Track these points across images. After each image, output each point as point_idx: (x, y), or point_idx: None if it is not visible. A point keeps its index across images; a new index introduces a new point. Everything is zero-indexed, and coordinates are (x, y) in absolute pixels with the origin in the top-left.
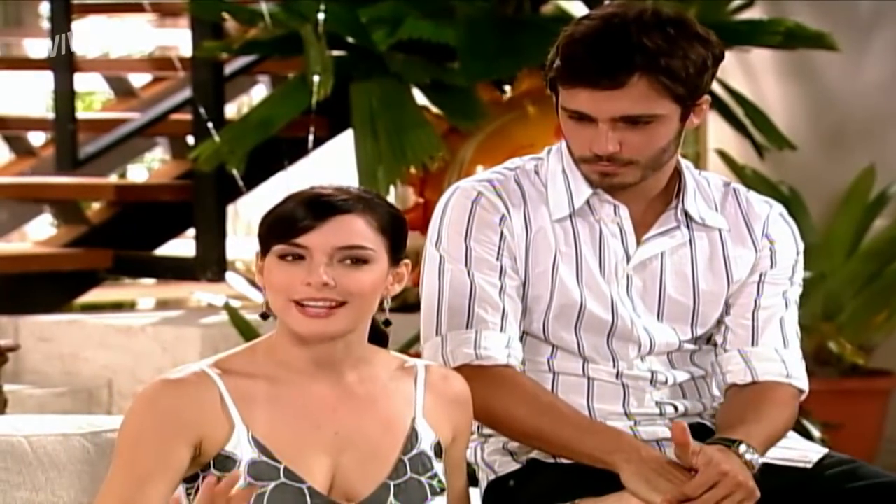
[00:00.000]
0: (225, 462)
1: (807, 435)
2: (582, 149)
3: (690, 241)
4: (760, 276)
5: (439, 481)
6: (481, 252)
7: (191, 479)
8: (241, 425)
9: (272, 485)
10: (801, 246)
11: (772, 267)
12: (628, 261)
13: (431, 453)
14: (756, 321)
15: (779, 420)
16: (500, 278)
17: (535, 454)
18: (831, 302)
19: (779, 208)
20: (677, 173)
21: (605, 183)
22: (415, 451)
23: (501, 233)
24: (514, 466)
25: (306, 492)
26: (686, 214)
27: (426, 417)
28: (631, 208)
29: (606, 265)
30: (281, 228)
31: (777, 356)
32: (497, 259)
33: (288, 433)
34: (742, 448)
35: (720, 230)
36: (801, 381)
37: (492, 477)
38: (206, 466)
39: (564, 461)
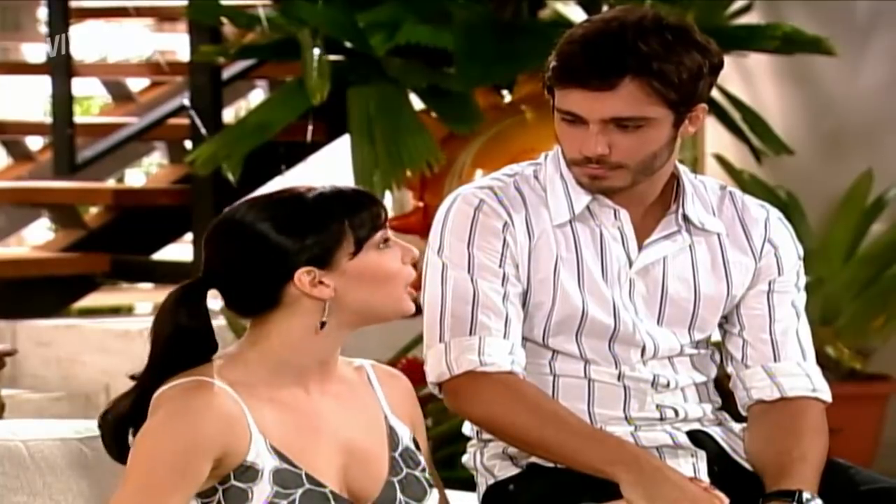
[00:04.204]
0: (247, 472)
1: None
2: (572, 151)
3: (691, 245)
4: (769, 284)
5: (430, 474)
6: (484, 259)
7: (208, 494)
8: (258, 434)
9: (299, 492)
10: (801, 250)
11: (779, 274)
12: (630, 265)
13: (413, 447)
14: (774, 335)
15: (822, 449)
16: (502, 285)
17: (534, 458)
18: (829, 306)
19: (776, 213)
20: (675, 178)
21: (595, 186)
22: (401, 448)
23: (504, 239)
24: (514, 471)
25: (330, 496)
26: (686, 219)
27: (395, 414)
28: (630, 213)
29: (609, 269)
30: (374, 220)
31: (801, 370)
32: (500, 266)
33: (297, 439)
34: (806, 496)
35: (718, 234)
36: (826, 393)
37: (491, 481)
38: (224, 479)
39: (563, 465)
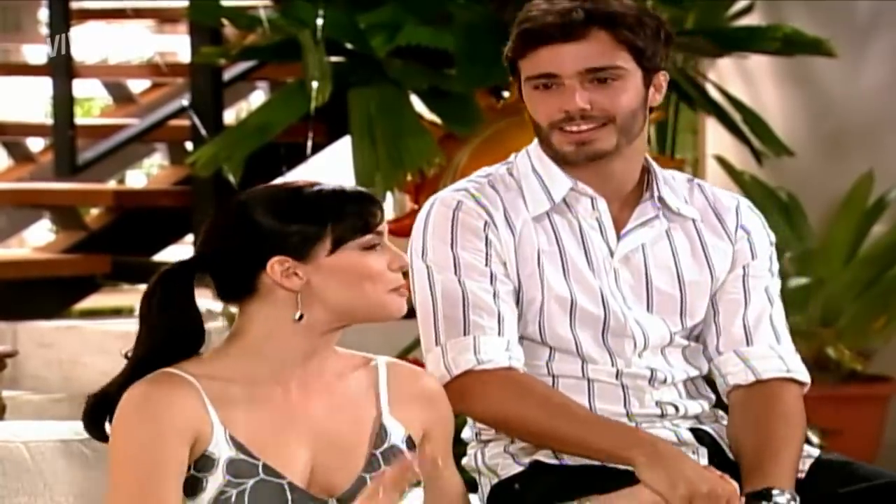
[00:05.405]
0: (205, 462)
1: (805, 441)
2: (552, 112)
3: (668, 231)
4: (743, 269)
5: (414, 473)
6: (469, 258)
7: None
8: (219, 425)
9: (251, 481)
10: (773, 237)
11: (753, 258)
12: (612, 255)
13: (404, 446)
14: (746, 320)
15: (797, 436)
16: (491, 283)
17: (537, 456)
18: (830, 308)
19: (746, 201)
20: (645, 170)
21: (582, 154)
22: (385, 445)
23: (487, 238)
24: (518, 469)
25: (286, 487)
26: (662, 202)
27: (393, 413)
28: (607, 203)
29: (593, 260)
30: (362, 224)
31: (773, 352)
32: (486, 265)
33: (265, 431)
34: (775, 493)
35: (694, 220)
36: (802, 373)
37: (494, 481)
38: (187, 468)
39: (568, 462)
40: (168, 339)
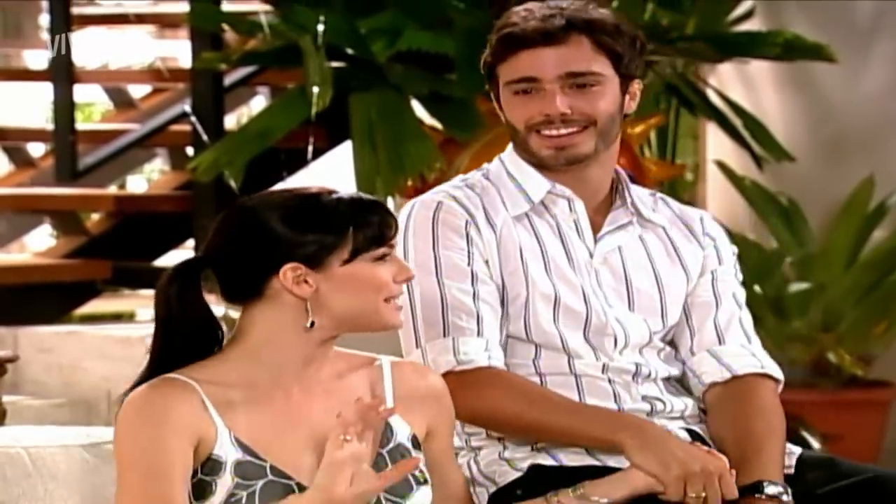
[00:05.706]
0: (213, 465)
1: (806, 446)
2: (532, 115)
3: (641, 236)
4: (712, 273)
5: (421, 472)
6: (451, 257)
7: None
8: (224, 427)
9: (261, 483)
10: (736, 249)
11: (720, 263)
12: (591, 256)
13: (409, 445)
14: (718, 321)
15: (778, 428)
16: (472, 284)
17: (535, 459)
18: (830, 313)
19: (709, 214)
20: (615, 179)
21: (561, 158)
22: (392, 445)
23: (469, 235)
24: (516, 475)
25: (295, 488)
26: (636, 208)
27: (399, 412)
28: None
29: (574, 259)
30: (380, 235)
31: (745, 350)
32: (468, 264)
33: (269, 433)
34: (766, 485)
35: (664, 227)
36: (776, 371)
37: (493, 489)
38: (193, 473)
39: (567, 463)
40: (187, 334)
